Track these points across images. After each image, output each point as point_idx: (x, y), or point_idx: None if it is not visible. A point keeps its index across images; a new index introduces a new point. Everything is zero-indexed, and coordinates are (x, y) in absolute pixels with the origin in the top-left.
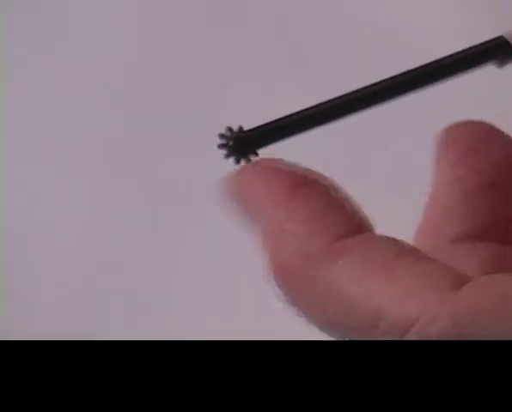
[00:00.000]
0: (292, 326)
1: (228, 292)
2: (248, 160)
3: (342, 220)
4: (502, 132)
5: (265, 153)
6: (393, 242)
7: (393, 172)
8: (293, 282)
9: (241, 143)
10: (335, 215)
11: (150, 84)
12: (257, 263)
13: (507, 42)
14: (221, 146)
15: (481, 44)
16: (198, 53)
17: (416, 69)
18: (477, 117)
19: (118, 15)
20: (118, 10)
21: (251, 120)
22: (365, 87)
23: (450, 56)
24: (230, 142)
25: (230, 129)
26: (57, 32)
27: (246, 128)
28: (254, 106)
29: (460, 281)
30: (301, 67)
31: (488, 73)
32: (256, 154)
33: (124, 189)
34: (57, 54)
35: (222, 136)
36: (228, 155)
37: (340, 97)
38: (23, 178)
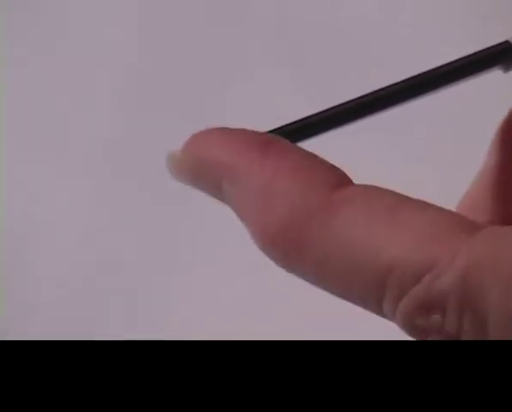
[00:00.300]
0: (292, 326)
1: (228, 291)
2: None
3: (330, 171)
4: None
5: None
6: (392, 191)
7: (398, 179)
8: (291, 243)
9: None
10: (322, 168)
11: (150, 84)
12: (257, 263)
13: None
14: None
15: (487, 49)
16: (198, 53)
17: (422, 74)
18: (482, 121)
19: (119, 14)
20: (118, 10)
21: (250, 120)
22: (374, 92)
23: (456, 61)
24: None
25: None
26: (57, 32)
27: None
28: (254, 107)
29: (472, 227)
30: (302, 68)
31: (494, 77)
32: None
33: (124, 189)
34: (57, 54)
35: None
36: None
37: (352, 101)
38: (23, 178)
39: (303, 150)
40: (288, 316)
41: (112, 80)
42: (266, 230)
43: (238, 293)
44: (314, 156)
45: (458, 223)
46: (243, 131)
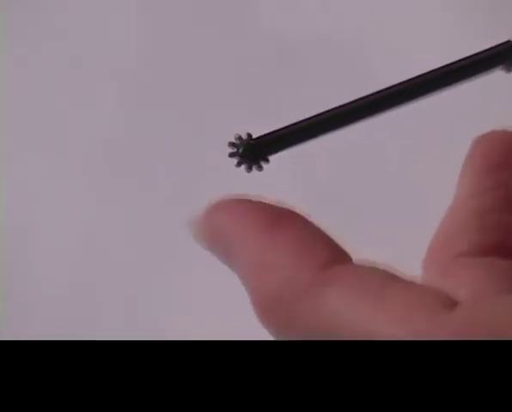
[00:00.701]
0: None
1: (228, 292)
2: (260, 167)
3: (326, 248)
4: None
5: (275, 159)
6: (381, 270)
7: (401, 172)
8: (281, 317)
9: (251, 150)
10: (318, 244)
11: (150, 84)
12: None
13: None
14: (232, 154)
15: (489, 49)
16: (197, 54)
17: (424, 74)
18: (485, 121)
19: (119, 14)
20: (118, 10)
21: (249, 120)
22: (374, 93)
23: (458, 61)
24: (240, 150)
25: (240, 137)
26: (57, 32)
27: (244, 132)
28: (253, 107)
29: (451, 304)
30: (301, 71)
31: (496, 78)
32: (267, 161)
33: (124, 189)
34: (58, 54)
35: (232, 144)
36: (239, 163)
37: (349, 103)
38: (23, 178)
39: (308, 225)
40: None
41: (112, 80)
42: (257, 301)
43: (238, 293)
44: (317, 232)
45: (436, 301)
46: (256, 204)
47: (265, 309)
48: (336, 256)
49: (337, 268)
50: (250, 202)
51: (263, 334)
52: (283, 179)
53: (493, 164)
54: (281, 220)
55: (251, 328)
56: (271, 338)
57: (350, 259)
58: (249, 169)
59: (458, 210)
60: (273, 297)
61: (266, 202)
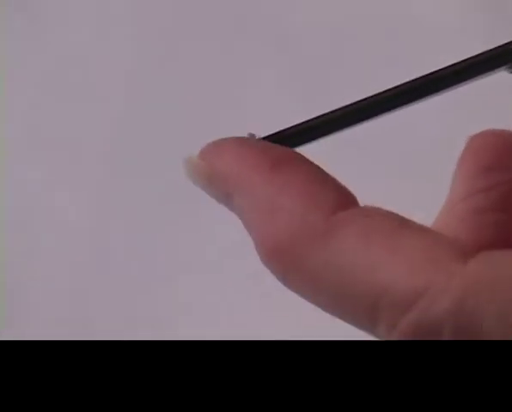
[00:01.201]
0: (291, 326)
1: (228, 291)
2: None
3: (335, 190)
4: None
5: None
6: (392, 213)
7: (404, 179)
8: (289, 259)
9: None
10: (327, 186)
11: (152, 84)
12: (258, 264)
13: None
14: None
15: (493, 49)
16: (203, 53)
17: (428, 75)
18: (489, 122)
19: (120, 13)
20: (119, 9)
21: (249, 122)
22: (379, 93)
23: (462, 62)
24: None
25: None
26: (57, 32)
27: (247, 131)
28: (254, 109)
29: (466, 253)
30: (301, 71)
31: (500, 78)
32: None
33: (125, 190)
34: (57, 54)
35: None
36: None
37: (356, 103)
38: (23, 178)
39: (315, 167)
40: (287, 316)
41: (113, 80)
42: (267, 244)
43: (239, 292)
44: (324, 175)
45: (454, 249)
46: (258, 144)
47: (273, 252)
48: (345, 198)
49: (348, 210)
50: (252, 141)
51: (263, 334)
52: None
53: (485, 165)
54: (288, 161)
55: (251, 328)
56: (270, 338)
57: (358, 203)
58: None
59: (451, 211)
60: (283, 240)
61: (267, 143)
